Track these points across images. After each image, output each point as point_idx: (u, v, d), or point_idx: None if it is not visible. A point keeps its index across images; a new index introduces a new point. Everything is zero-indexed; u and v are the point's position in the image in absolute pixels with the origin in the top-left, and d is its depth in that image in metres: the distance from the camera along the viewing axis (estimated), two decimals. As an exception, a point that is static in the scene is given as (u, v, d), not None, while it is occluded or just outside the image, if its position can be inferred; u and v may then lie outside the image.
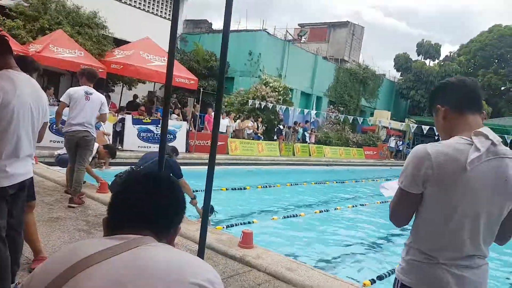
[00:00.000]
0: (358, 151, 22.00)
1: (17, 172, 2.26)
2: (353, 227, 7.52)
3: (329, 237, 6.62)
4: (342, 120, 22.91)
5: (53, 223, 4.25)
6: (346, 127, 23.23)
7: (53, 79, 14.29)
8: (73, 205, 4.94)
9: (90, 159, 5.87)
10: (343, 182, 13.18)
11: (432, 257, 1.47)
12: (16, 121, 2.19)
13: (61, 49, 10.53)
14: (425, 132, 20.18)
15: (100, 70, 11.34)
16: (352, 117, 22.39)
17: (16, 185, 2.28)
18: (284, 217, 7.10)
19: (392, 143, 25.05)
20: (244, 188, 9.38)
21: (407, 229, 1.62)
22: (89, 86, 5.11)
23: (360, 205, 9.45)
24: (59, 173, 6.57)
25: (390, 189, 1.88)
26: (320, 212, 8.00)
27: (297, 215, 7.37)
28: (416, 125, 22.39)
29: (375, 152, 23.29)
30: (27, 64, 2.62)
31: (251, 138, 16.11)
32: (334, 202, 9.66)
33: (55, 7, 12.73)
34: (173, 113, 12.92)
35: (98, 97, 5.14)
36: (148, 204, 0.98)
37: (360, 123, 23.64)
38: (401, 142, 26.03)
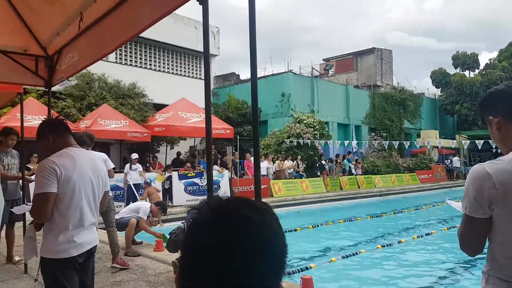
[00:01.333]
0: (412, 176, 21.00)
1: (84, 241, 2.41)
2: (422, 259, 6.95)
3: (396, 273, 6.15)
4: (387, 146, 22.21)
5: (117, 287, 4.37)
6: (393, 153, 22.44)
7: (104, 149, 15.30)
8: (116, 265, 5.00)
9: (145, 217, 6.07)
10: (401, 212, 12.45)
11: None
12: (78, 193, 2.36)
13: (108, 121, 11.37)
14: (480, 147, 18.96)
15: (145, 134, 12.09)
16: (397, 142, 21.66)
17: (84, 253, 2.42)
18: (344, 257, 6.75)
19: (456, 163, 23.84)
20: (295, 230, 9.13)
21: (484, 255, 1.48)
22: (87, 149, 4.75)
23: (426, 234, 8.74)
24: (118, 237, 6.79)
25: (457, 207, 1.76)
26: (382, 247, 7.50)
27: (357, 253, 6.98)
28: (468, 141, 21.17)
29: (430, 175, 22.14)
30: (76, 140, 2.85)
31: (293, 177, 15.95)
32: (395, 234, 9.04)
33: (98, 85, 13.97)
34: (215, 163, 13.22)
35: (99, 156, 4.95)
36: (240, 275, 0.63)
37: (407, 147, 22.74)
38: (450, 161, 24.78)
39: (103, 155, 5.34)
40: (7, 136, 4.94)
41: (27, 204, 4.56)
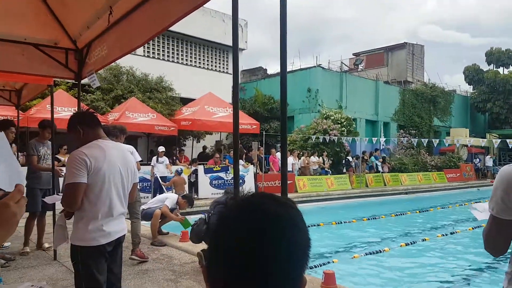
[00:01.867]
0: (439, 175, 20.42)
1: (113, 230, 2.48)
2: (446, 258, 6.89)
3: (419, 271, 6.09)
4: (415, 143, 21.62)
5: (143, 275, 4.49)
6: (421, 151, 21.83)
7: (131, 142, 15.65)
8: (135, 257, 4.98)
9: (170, 206, 6.17)
10: (427, 211, 12.19)
11: None
12: (108, 184, 2.42)
13: (136, 114, 11.62)
14: (510, 146, 18.20)
15: (172, 128, 12.28)
16: (426, 139, 21.05)
17: (113, 242, 2.49)
18: (367, 254, 6.70)
19: (489, 161, 23.34)
20: (318, 225, 9.09)
21: (507, 256, 1.47)
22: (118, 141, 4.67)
23: (451, 233, 8.66)
24: (144, 227, 6.94)
25: (483, 211, 1.71)
26: (406, 245, 7.43)
27: (381, 251, 6.91)
28: (499, 140, 20.32)
29: (458, 174, 21.47)
30: (106, 133, 2.90)
31: (318, 174, 15.82)
32: (420, 233, 8.96)
33: (127, 78, 14.26)
34: (240, 158, 13.26)
35: (126, 148, 4.88)
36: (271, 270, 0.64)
37: (436, 145, 22.06)
38: (479, 160, 23.95)
39: (130, 147, 5.36)
40: (44, 130, 5.15)
41: (58, 194, 4.73)
